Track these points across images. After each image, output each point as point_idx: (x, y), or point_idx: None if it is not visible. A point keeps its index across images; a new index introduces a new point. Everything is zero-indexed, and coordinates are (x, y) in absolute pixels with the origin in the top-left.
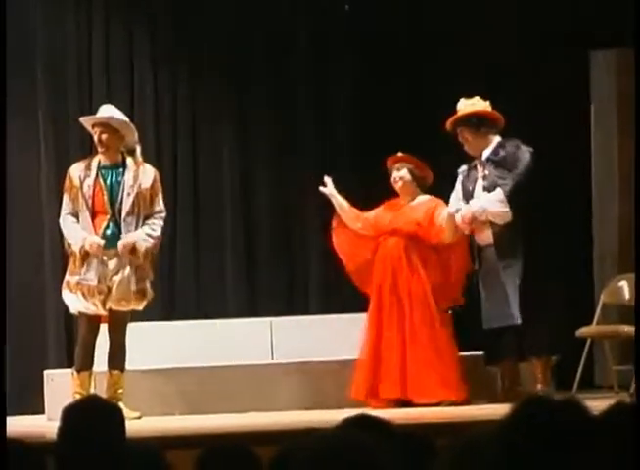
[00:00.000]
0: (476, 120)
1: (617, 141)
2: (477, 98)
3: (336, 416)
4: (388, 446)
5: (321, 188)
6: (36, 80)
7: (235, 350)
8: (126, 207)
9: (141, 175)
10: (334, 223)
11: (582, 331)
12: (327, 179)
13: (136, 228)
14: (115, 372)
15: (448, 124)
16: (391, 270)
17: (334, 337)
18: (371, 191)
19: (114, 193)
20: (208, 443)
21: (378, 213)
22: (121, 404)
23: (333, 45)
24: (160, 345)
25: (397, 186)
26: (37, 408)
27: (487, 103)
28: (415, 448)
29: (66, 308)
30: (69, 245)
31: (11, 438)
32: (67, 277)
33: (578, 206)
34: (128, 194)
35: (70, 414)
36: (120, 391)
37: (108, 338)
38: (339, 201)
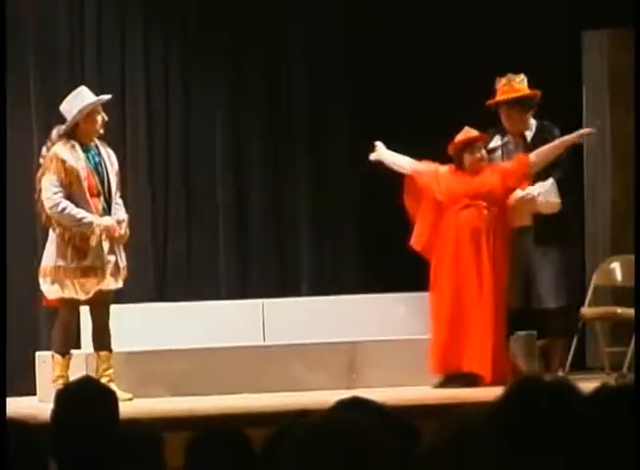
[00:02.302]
0: (526, 101)
1: (609, 122)
2: (522, 76)
3: (328, 398)
4: (380, 428)
5: (371, 156)
6: (26, 45)
7: (226, 331)
8: (113, 187)
9: (112, 157)
10: (405, 186)
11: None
12: (378, 144)
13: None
14: (104, 353)
15: (497, 101)
16: (472, 242)
17: (326, 319)
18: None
19: (100, 174)
20: (200, 425)
21: (448, 180)
22: (113, 386)
23: (329, 7)
24: (151, 326)
25: (480, 164)
26: (28, 390)
27: (522, 76)
28: (407, 430)
29: None
30: (71, 228)
31: (12, 419)
32: (58, 262)
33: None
34: (115, 174)
35: (64, 396)
36: (111, 371)
37: (92, 319)
38: (399, 161)
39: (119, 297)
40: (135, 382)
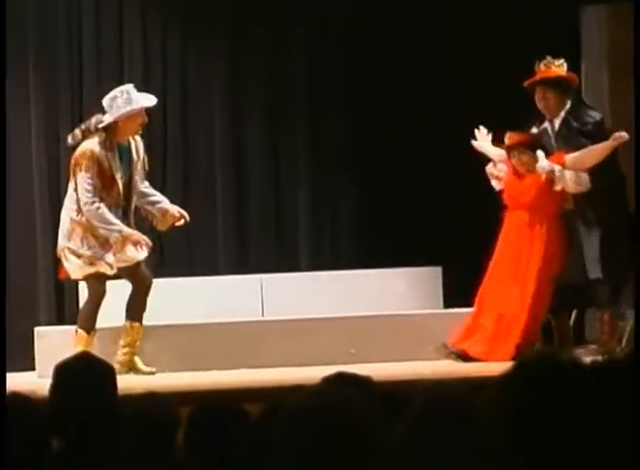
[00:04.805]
0: (564, 84)
1: (608, 99)
2: (561, 60)
3: (325, 373)
4: (368, 403)
5: (473, 142)
6: (26, 28)
7: (225, 306)
8: (137, 184)
9: (140, 149)
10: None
11: None
12: (482, 130)
13: None
14: (137, 324)
15: (533, 82)
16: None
17: (325, 294)
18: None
19: (126, 175)
20: (199, 400)
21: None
22: (137, 359)
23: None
24: (150, 302)
25: (524, 169)
26: (27, 365)
27: (562, 62)
28: (392, 404)
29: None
30: (98, 229)
31: (12, 394)
32: (79, 247)
33: None
34: (141, 167)
35: (63, 372)
36: (138, 343)
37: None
38: (494, 151)
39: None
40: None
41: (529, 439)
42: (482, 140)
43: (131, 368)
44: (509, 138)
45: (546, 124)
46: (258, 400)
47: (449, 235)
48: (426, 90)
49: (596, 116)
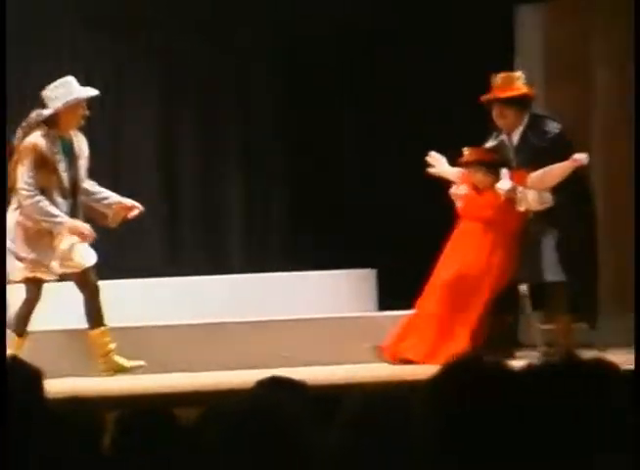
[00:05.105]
0: (524, 100)
1: (542, 99)
2: (519, 73)
3: (259, 377)
4: (298, 407)
5: (430, 170)
6: None
7: (156, 310)
8: (81, 178)
9: (83, 145)
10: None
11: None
12: (434, 155)
13: None
14: (102, 329)
15: (491, 98)
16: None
17: (257, 296)
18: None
19: (71, 170)
20: (129, 405)
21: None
22: (119, 358)
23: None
24: (77, 304)
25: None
26: None
27: (520, 75)
28: (326, 408)
29: None
30: (40, 223)
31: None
32: (19, 251)
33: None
34: (85, 162)
35: None
36: (112, 345)
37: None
38: (451, 172)
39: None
40: (78, 360)
41: (458, 443)
42: (438, 165)
43: (118, 370)
44: (468, 155)
45: (504, 137)
46: (191, 405)
47: (384, 237)
48: (355, 91)
49: (555, 127)
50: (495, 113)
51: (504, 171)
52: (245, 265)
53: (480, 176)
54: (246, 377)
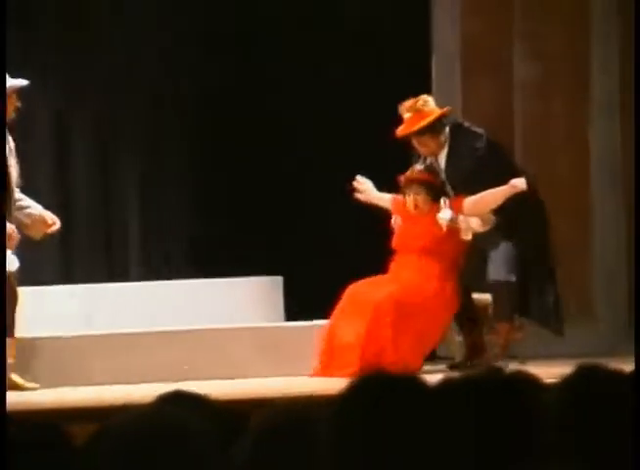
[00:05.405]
0: (438, 123)
1: (460, 94)
2: (424, 97)
3: (160, 391)
4: (203, 423)
5: (357, 195)
6: None
7: (52, 319)
8: (13, 181)
9: (11, 144)
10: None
11: None
12: (361, 180)
13: None
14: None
15: (404, 134)
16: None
17: (157, 306)
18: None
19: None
20: (16, 421)
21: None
22: (15, 376)
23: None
24: None
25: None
26: None
27: (426, 98)
28: (232, 425)
29: None
30: None
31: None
32: None
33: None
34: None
35: None
36: (11, 360)
37: None
38: (382, 198)
39: None
40: None
41: (365, 463)
42: (367, 191)
43: (11, 387)
44: (410, 173)
45: (430, 160)
46: (85, 422)
47: (291, 244)
48: (267, 104)
49: (479, 135)
50: (415, 143)
51: (443, 200)
52: (144, 273)
53: (421, 198)
54: (145, 391)
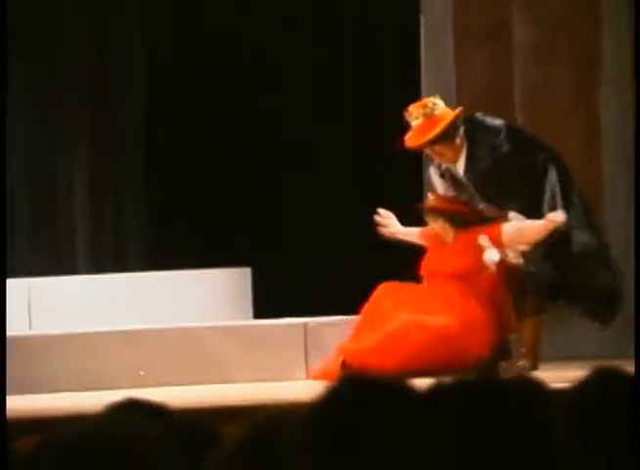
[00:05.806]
0: (453, 127)
1: (452, 68)
2: (431, 99)
3: (111, 399)
4: (161, 434)
5: (384, 232)
6: None
7: None
8: None
9: None
10: None
11: None
12: (384, 214)
13: None
14: None
15: (416, 145)
16: None
17: (108, 301)
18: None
19: None
20: None
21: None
22: None
23: None
24: None
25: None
26: None
27: (435, 100)
28: (196, 436)
29: None
30: None
31: None
32: None
33: None
34: None
35: None
36: None
37: None
38: (410, 233)
39: None
40: None
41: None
42: (392, 226)
43: None
44: (429, 201)
45: (446, 165)
46: (28, 433)
47: (259, 233)
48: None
49: (497, 130)
50: (430, 153)
51: (482, 238)
52: (92, 265)
53: (439, 225)
54: (94, 399)
